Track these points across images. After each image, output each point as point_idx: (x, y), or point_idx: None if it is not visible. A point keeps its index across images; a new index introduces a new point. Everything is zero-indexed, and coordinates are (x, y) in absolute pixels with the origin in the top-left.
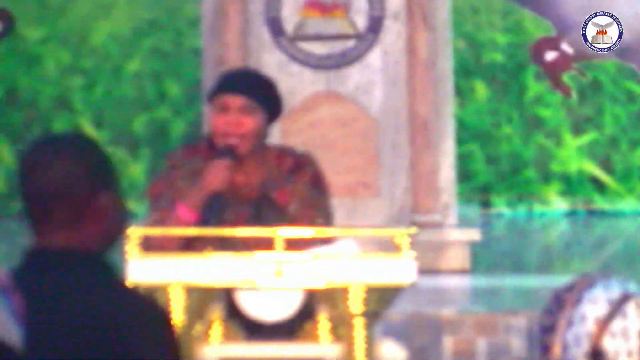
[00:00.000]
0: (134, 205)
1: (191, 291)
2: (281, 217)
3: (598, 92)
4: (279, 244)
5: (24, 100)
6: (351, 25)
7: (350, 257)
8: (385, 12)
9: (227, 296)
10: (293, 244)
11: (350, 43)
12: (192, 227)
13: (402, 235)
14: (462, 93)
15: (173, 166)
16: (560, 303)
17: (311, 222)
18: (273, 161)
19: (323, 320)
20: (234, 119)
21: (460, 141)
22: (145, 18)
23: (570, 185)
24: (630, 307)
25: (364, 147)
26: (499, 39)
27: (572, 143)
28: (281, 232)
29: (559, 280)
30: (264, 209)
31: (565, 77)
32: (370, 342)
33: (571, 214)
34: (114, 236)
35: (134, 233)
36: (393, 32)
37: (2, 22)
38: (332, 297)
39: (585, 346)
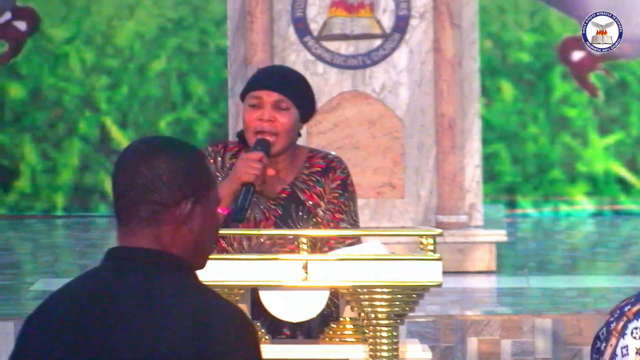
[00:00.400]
0: None
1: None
2: (309, 218)
3: (625, 92)
4: (305, 244)
5: (48, 100)
6: (377, 25)
7: (376, 258)
8: (412, 12)
9: (252, 296)
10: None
11: (376, 43)
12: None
13: (427, 236)
14: (488, 93)
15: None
16: (609, 331)
17: (338, 227)
18: (304, 162)
19: (348, 322)
20: (267, 115)
21: (486, 141)
22: (170, 18)
23: (597, 185)
24: None
25: (389, 148)
26: (525, 38)
27: (598, 143)
28: (307, 233)
29: (585, 281)
30: (293, 210)
31: (592, 77)
32: (395, 343)
33: (597, 214)
34: (204, 249)
35: None
36: (419, 32)
37: (27, 21)
38: (358, 298)
39: None
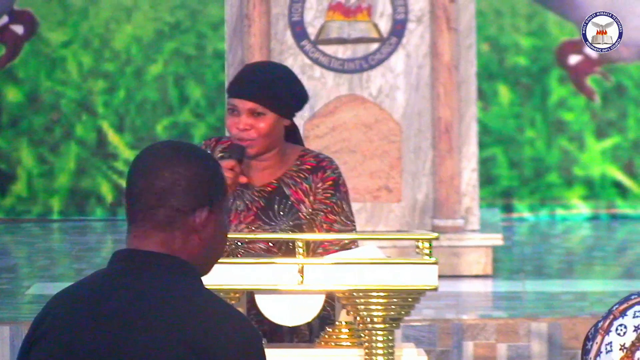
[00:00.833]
0: None
1: None
2: (290, 213)
3: (622, 96)
4: (301, 248)
5: (45, 103)
6: (374, 29)
7: (372, 262)
8: (409, 16)
9: (247, 300)
10: (315, 251)
11: (374, 46)
12: None
13: (423, 240)
14: (485, 97)
15: None
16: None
17: (332, 229)
18: (295, 160)
19: (344, 325)
20: (243, 125)
21: (483, 145)
22: (167, 21)
23: (593, 189)
24: None
25: (386, 151)
26: (522, 42)
27: (595, 147)
28: (304, 237)
29: (581, 284)
30: (275, 203)
31: (589, 81)
32: (391, 347)
33: (594, 218)
34: (212, 257)
35: None
36: (417, 36)
37: (24, 25)
38: (354, 302)
39: None
